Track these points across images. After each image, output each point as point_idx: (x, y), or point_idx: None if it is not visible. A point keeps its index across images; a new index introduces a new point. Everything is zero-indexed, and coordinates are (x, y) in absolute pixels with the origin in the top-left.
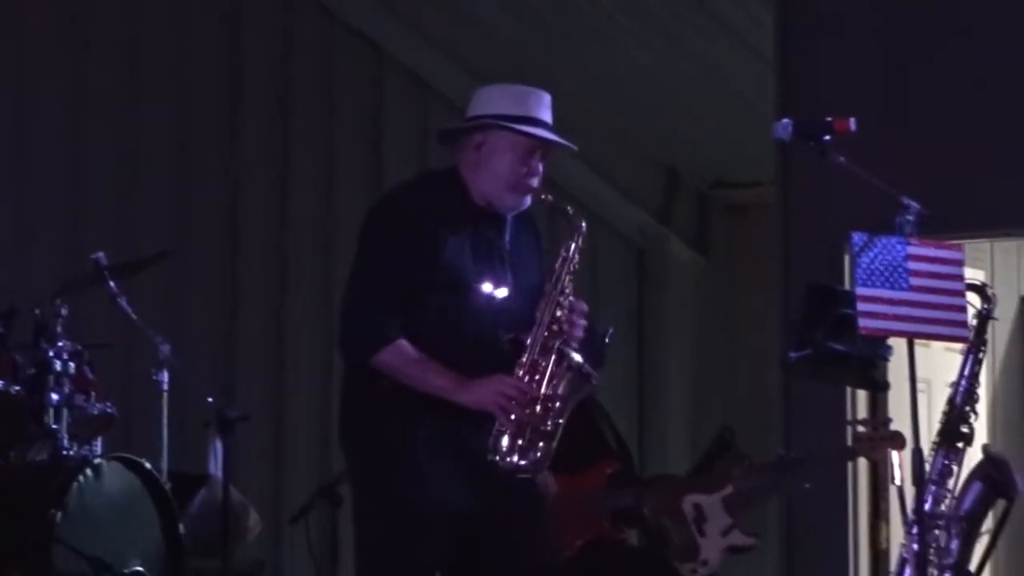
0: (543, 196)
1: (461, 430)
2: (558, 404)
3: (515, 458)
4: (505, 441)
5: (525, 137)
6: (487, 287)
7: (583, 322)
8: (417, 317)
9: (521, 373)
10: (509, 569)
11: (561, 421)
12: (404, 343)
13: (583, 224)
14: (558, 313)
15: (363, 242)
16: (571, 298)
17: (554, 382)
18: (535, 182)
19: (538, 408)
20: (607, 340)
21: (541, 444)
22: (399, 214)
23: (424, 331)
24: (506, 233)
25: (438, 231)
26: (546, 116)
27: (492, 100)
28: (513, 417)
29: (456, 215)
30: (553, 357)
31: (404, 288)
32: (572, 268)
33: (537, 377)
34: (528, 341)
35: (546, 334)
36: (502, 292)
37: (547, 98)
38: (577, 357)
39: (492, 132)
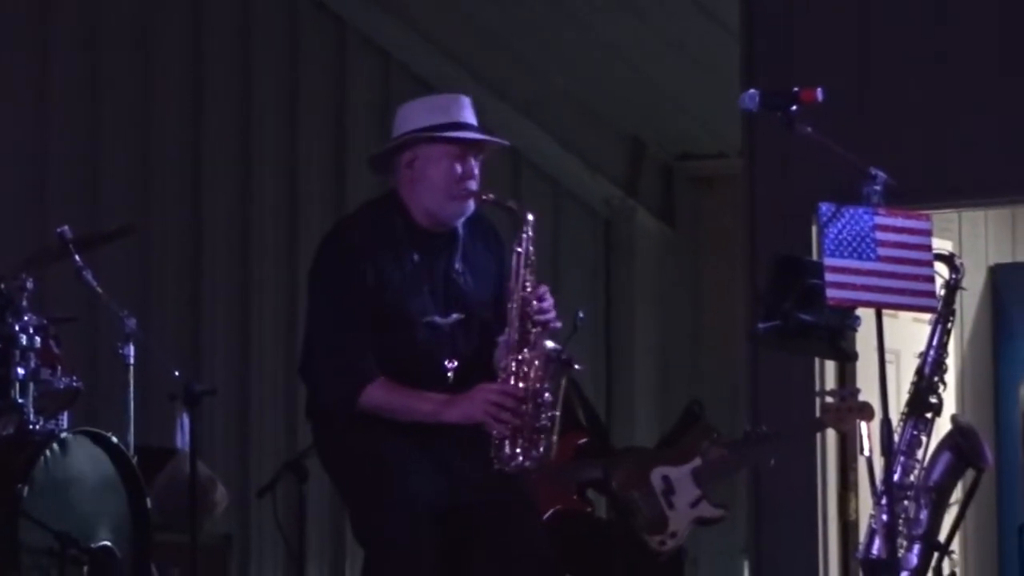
0: (484, 196)
1: (435, 438)
2: (547, 396)
3: (520, 461)
4: (507, 448)
5: (453, 143)
6: (434, 315)
7: (550, 302)
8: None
9: (504, 376)
10: (503, 565)
11: (556, 412)
12: (382, 379)
13: (529, 216)
14: (527, 309)
15: (316, 287)
16: (535, 290)
17: (538, 376)
18: (473, 185)
19: (529, 406)
20: (577, 325)
21: (542, 438)
22: (345, 256)
23: (381, 366)
24: (457, 250)
25: (383, 268)
26: (470, 119)
27: (415, 115)
28: (506, 422)
29: (401, 244)
30: (532, 352)
31: (363, 325)
32: (529, 261)
33: (521, 375)
34: (504, 343)
35: (519, 332)
36: (454, 317)
37: (467, 101)
38: (552, 344)
39: (421, 146)
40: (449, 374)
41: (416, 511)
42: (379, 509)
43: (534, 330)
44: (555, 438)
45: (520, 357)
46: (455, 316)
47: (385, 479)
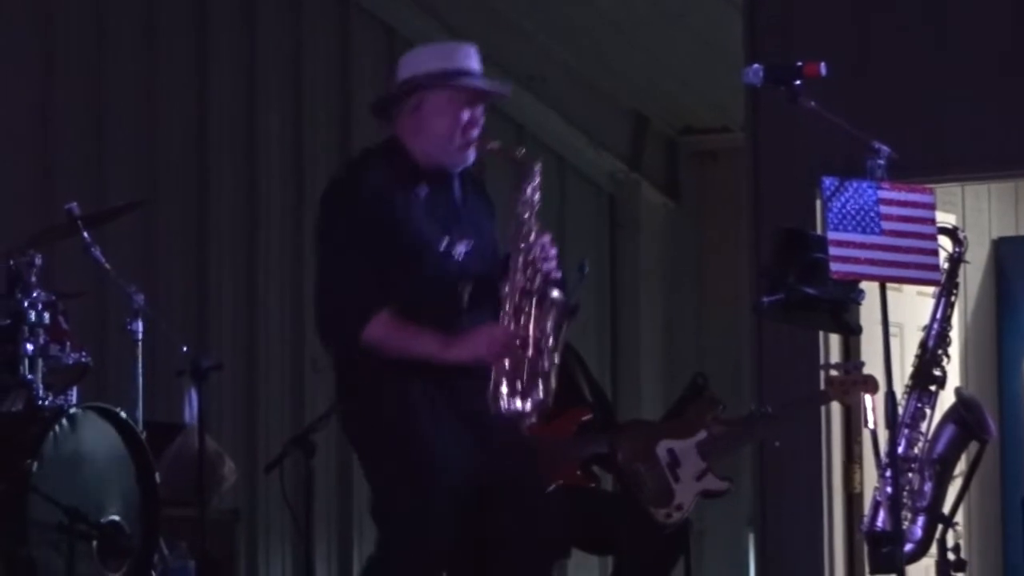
0: (490, 145)
1: (458, 388)
2: (549, 342)
3: (516, 403)
4: (504, 388)
5: (462, 90)
6: (447, 245)
7: (554, 251)
8: (387, 288)
9: (506, 320)
10: (516, 537)
11: (556, 359)
12: (387, 314)
13: (536, 165)
14: (529, 255)
15: (325, 228)
16: (540, 237)
17: (540, 322)
18: (476, 134)
19: (530, 351)
20: (584, 272)
21: (540, 384)
22: (355, 193)
23: (396, 300)
24: (455, 191)
25: (395, 201)
26: (477, 67)
27: (421, 61)
28: (507, 362)
29: (407, 181)
30: (535, 298)
31: (374, 262)
32: (534, 209)
33: (522, 320)
34: (506, 288)
35: (522, 277)
36: (465, 244)
37: (474, 49)
38: (557, 293)
39: (428, 92)
40: (465, 297)
41: (441, 496)
42: (404, 487)
43: (538, 276)
44: (553, 385)
45: (524, 302)
46: (466, 243)
47: (414, 454)
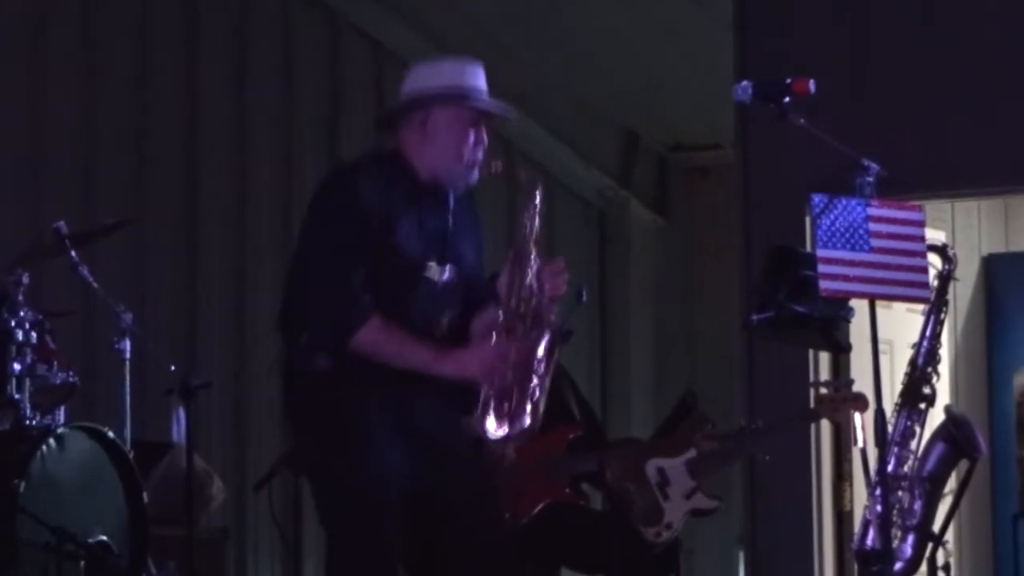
0: (494, 168)
1: (409, 407)
2: (542, 366)
3: (504, 428)
4: (491, 412)
5: (468, 110)
6: (433, 270)
7: (565, 277)
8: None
9: (498, 342)
10: (460, 544)
11: (546, 381)
12: (379, 319)
13: (538, 188)
14: (526, 279)
15: (318, 223)
16: (537, 263)
17: (532, 344)
18: (481, 153)
19: (520, 372)
20: (581, 299)
21: (528, 407)
22: (353, 194)
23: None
24: (449, 210)
25: (390, 212)
26: (484, 86)
27: (428, 76)
28: (497, 383)
29: (404, 195)
30: (529, 321)
31: (369, 263)
32: (534, 232)
33: (515, 344)
34: (499, 310)
35: (518, 299)
36: (446, 272)
37: (480, 68)
38: (552, 317)
39: (435, 109)
40: (444, 321)
41: (390, 497)
42: (352, 491)
43: (533, 300)
44: (542, 409)
45: (515, 323)
46: (450, 270)
47: (349, 461)
